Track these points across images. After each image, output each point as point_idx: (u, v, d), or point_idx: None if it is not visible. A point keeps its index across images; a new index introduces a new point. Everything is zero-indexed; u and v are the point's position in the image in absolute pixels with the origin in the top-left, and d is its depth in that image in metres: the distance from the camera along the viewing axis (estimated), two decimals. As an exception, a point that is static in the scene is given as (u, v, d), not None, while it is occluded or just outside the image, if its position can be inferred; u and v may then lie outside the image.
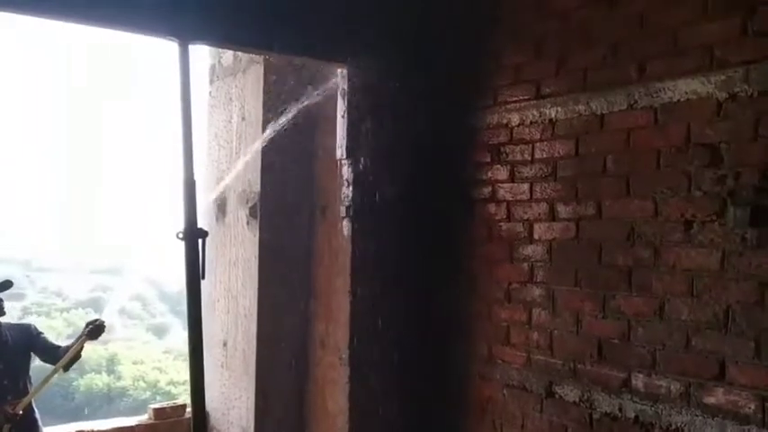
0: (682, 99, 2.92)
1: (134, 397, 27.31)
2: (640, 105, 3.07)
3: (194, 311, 3.52)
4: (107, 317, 4.49)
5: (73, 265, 43.14)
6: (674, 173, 2.93)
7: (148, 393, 26.80)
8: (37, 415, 4.05)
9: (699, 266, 2.84)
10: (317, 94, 4.26)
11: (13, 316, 4.52)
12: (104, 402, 27.49)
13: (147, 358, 31.67)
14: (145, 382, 29.25)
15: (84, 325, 4.07)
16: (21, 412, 3.75)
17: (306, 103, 4.39)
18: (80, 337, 3.93)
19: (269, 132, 4.70)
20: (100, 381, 29.34)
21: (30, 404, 3.94)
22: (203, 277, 3.47)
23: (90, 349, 30.46)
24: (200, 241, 3.43)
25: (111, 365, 30.62)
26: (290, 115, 4.72)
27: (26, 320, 4.29)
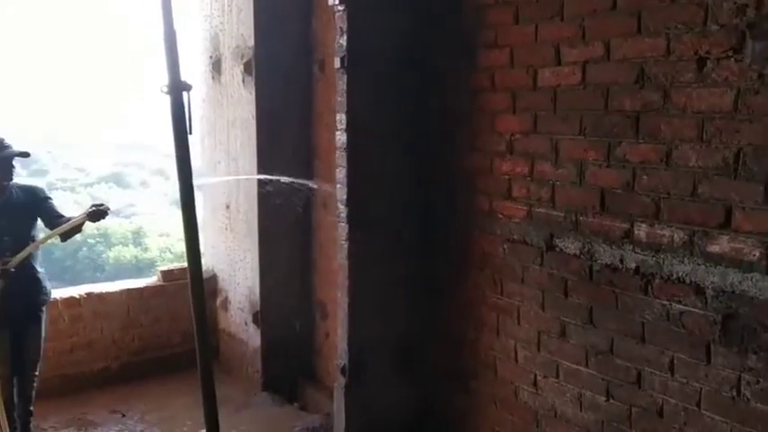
0: None
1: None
2: (657, -71, 2.75)
3: (184, 169, 3.40)
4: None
5: (94, 140, 43.45)
6: (690, 5, 2.66)
7: (175, 264, 27.65)
8: (40, 275, 4.07)
9: (710, 108, 2.63)
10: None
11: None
12: (134, 273, 28.45)
13: (173, 231, 32.36)
14: (171, 253, 30.06)
15: (91, 204, 4.03)
16: (13, 270, 3.76)
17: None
18: (82, 214, 3.91)
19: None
20: (128, 253, 30.25)
21: (30, 263, 3.95)
22: (191, 132, 3.35)
23: (116, 223, 31.20)
24: (185, 95, 3.28)
25: (137, 238, 31.44)
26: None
27: (52, 195, 4.26)
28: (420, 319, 4.09)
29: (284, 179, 4.36)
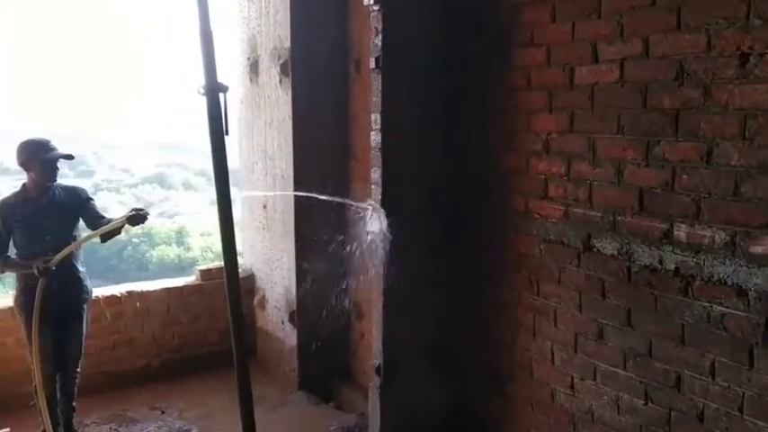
0: None
1: (204, 267, 28.55)
2: None
3: (221, 171, 3.43)
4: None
5: (138, 141, 44.33)
6: None
7: (217, 263, 27.91)
8: (81, 274, 4.16)
9: (753, 105, 2.56)
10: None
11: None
12: (177, 272, 28.80)
13: (214, 230, 32.75)
14: (212, 252, 30.44)
15: (132, 208, 4.14)
16: (54, 268, 3.84)
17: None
18: (122, 217, 3.99)
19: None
20: (171, 252, 30.75)
21: (71, 261, 4.04)
22: (227, 133, 3.38)
23: (159, 223, 31.74)
24: (221, 96, 3.31)
25: (180, 238, 31.95)
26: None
27: (97, 196, 4.34)
28: (455, 319, 4.06)
29: (322, 197, 4.36)
